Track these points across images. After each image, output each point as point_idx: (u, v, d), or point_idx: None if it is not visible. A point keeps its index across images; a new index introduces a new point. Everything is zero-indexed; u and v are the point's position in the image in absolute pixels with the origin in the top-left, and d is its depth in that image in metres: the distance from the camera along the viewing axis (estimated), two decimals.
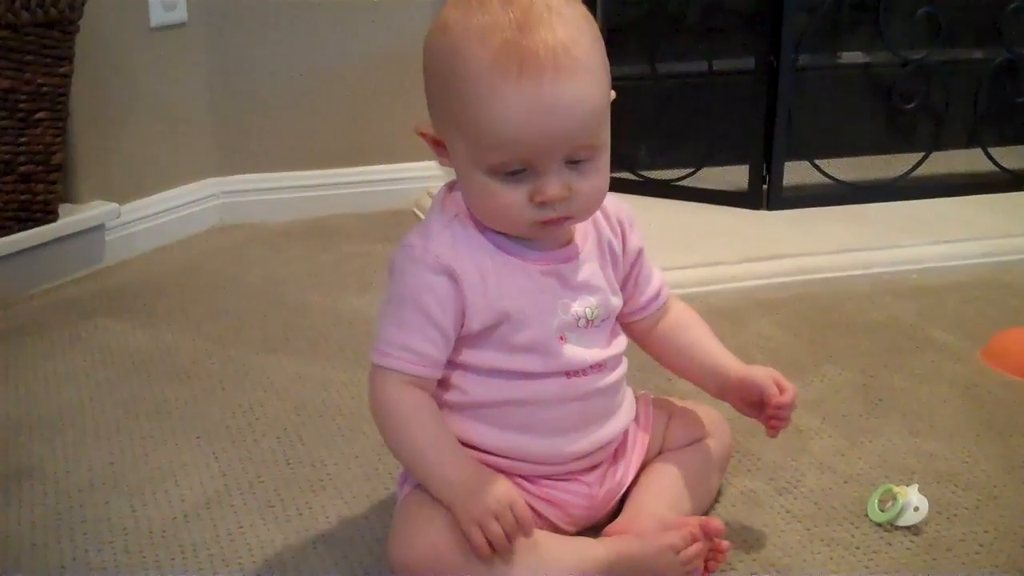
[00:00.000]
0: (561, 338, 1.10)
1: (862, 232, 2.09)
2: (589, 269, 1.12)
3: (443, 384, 1.11)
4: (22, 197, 1.89)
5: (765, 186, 2.21)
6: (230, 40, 2.25)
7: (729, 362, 1.21)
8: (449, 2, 1.04)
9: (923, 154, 2.26)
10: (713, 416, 1.26)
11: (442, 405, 1.11)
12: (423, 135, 1.09)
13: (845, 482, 1.30)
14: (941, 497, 1.26)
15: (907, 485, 1.23)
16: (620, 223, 1.16)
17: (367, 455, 1.37)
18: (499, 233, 1.08)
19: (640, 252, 1.19)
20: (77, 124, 2.00)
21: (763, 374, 1.18)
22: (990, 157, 2.29)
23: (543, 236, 1.08)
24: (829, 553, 1.16)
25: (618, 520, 1.15)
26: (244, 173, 2.33)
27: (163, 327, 1.79)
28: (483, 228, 1.08)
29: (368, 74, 2.33)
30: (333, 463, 1.36)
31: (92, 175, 2.06)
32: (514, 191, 1.02)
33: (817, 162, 2.23)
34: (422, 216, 2.32)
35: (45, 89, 1.87)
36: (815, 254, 2.00)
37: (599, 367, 1.12)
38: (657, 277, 1.22)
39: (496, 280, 1.07)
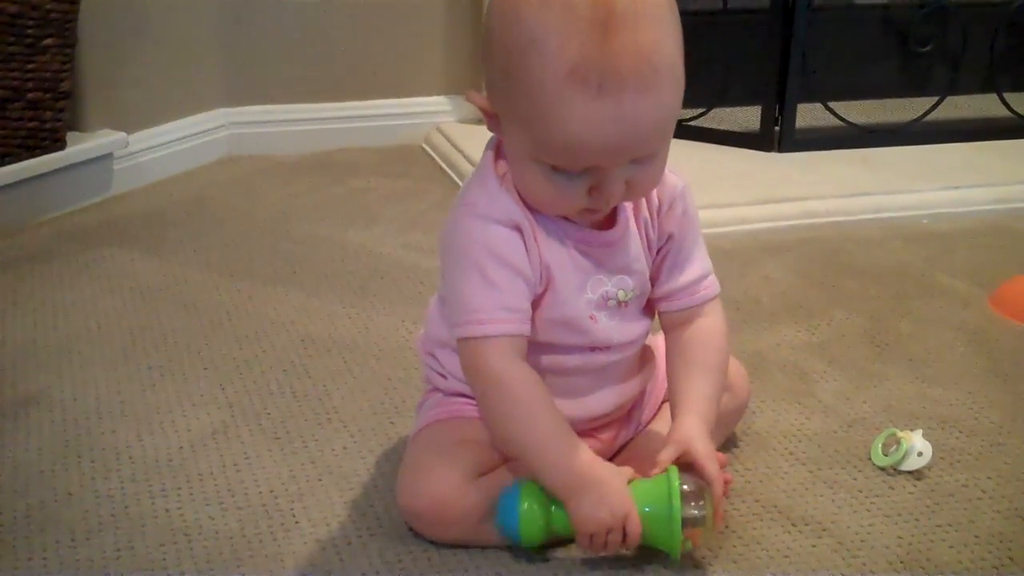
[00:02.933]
0: (591, 317, 1.06)
1: (873, 176, 2.07)
2: (632, 251, 1.07)
3: None
4: (30, 124, 1.88)
5: (777, 128, 2.20)
6: None
7: (687, 419, 1.06)
8: None
9: (937, 98, 2.24)
10: (734, 367, 1.23)
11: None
12: (475, 101, 1.02)
13: (849, 426, 1.31)
14: (945, 442, 1.26)
15: (911, 430, 1.23)
16: (660, 205, 1.08)
17: (373, 389, 1.38)
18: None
19: (671, 237, 1.09)
20: (85, 51, 1.98)
21: (704, 452, 1.03)
22: (1005, 103, 2.27)
23: (585, 222, 1.04)
24: (832, 496, 1.16)
25: (623, 455, 1.16)
26: (253, 104, 2.32)
27: (170, 257, 1.78)
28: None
29: (381, 6, 2.31)
30: (339, 396, 1.36)
31: (100, 103, 2.05)
32: (573, 186, 0.96)
33: (830, 104, 2.21)
34: (431, 152, 2.31)
35: (53, 15, 1.85)
36: (825, 197, 1.99)
37: (625, 345, 1.10)
38: (696, 271, 1.11)
39: (544, 246, 1.02)
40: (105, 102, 2.06)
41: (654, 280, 1.11)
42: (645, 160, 0.96)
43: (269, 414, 1.32)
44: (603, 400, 1.12)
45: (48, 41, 1.86)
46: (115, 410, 1.33)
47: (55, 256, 1.78)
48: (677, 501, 0.98)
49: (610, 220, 1.06)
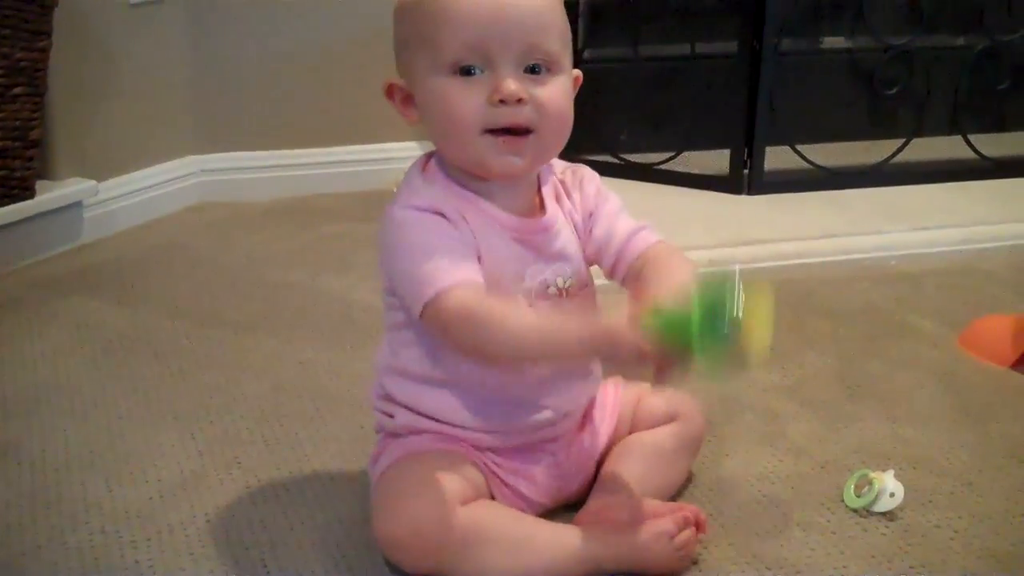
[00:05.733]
0: (530, 306, 1.09)
1: (842, 218, 2.09)
2: (564, 238, 1.12)
3: (413, 356, 1.11)
4: None
5: (746, 170, 2.21)
6: (209, 17, 2.23)
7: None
8: None
9: (904, 140, 2.26)
10: (683, 399, 1.25)
11: (411, 376, 1.12)
12: (391, 90, 1.11)
13: (821, 467, 1.31)
14: (917, 483, 1.26)
15: (883, 471, 1.23)
16: (576, 189, 1.16)
17: (345, 436, 1.37)
18: (478, 194, 1.08)
19: (592, 214, 1.15)
20: (55, 100, 1.98)
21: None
22: (970, 144, 2.30)
23: (505, 167, 1.06)
24: (805, 538, 1.16)
25: (590, 504, 1.15)
26: (224, 151, 2.32)
27: (141, 306, 1.78)
28: (462, 184, 1.09)
29: (349, 52, 2.32)
30: (311, 444, 1.35)
31: (70, 152, 2.05)
32: (472, 92, 1.03)
33: (798, 147, 2.23)
34: None
35: (23, 64, 1.85)
36: (795, 239, 2.00)
37: None
38: (631, 224, 1.14)
39: (480, 237, 1.07)
40: (75, 150, 2.05)
41: (596, 254, 1.15)
42: (540, 75, 1.04)
43: (240, 463, 1.31)
44: (558, 397, 1.14)
45: (18, 90, 1.86)
46: (84, 461, 1.31)
47: (24, 305, 1.77)
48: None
49: (541, 208, 1.13)
